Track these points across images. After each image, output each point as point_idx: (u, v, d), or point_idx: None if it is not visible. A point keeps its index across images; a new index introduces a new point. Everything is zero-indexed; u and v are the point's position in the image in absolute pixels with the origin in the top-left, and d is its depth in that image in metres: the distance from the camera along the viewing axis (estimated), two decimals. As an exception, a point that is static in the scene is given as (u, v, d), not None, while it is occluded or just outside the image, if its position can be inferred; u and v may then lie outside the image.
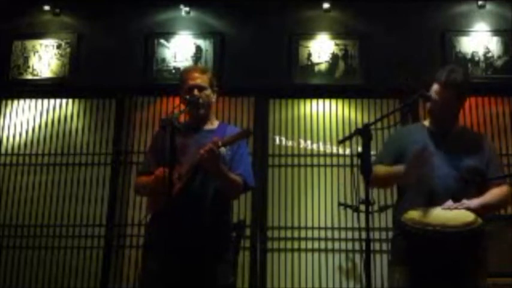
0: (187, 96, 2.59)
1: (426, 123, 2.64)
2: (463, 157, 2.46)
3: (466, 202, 2.30)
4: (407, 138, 2.59)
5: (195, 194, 2.47)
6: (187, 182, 2.46)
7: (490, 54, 4.52)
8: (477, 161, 2.47)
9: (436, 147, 2.48)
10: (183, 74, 2.73)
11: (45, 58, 4.73)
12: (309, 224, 4.41)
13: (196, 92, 2.60)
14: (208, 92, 2.64)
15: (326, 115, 4.62)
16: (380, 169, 2.50)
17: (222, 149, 2.41)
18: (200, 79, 2.63)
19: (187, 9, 4.72)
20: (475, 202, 2.33)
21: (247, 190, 2.72)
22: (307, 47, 4.61)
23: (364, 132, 2.23)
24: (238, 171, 2.56)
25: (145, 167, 2.71)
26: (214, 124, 2.72)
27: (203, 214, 2.49)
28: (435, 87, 2.50)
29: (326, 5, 4.66)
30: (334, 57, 4.60)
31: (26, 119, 4.76)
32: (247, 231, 4.20)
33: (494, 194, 2.42)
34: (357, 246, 4.28)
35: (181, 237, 2.38)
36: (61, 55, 4.72)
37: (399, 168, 2.42)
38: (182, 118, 2.69)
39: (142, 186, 2.67)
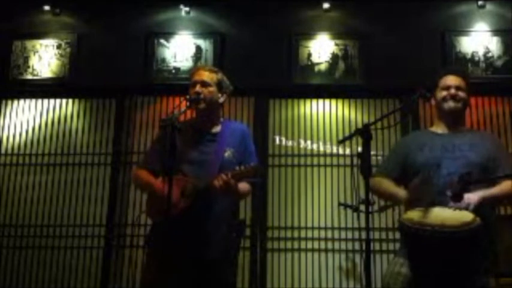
0: (188, 96, 2.58)
1: (435, 129, 2.62)
2: (469, 155, 2.45)
3: (468, 197, 2.29)
4: (413, 144, 2.57)
5: (200, 211, 2.46)
6: (192, 203, 2.43)
7: (490, 54, 4.52)
8: (483, 159, 2.45)
9: (443, 147, 2.48)
10: (191, 72, 2.71)
11: (45, 58, 4.73)
12: (309, 224, 4.41)
13: (198, 87, 2.58)
14: (212, 89, 2.60)
15: (326, 115, 4.62)
16: (383, 184, 2.52)
17: (229, 153, 2.42)
18: (207, 76, 2.61)
19: (187, 9, 4.72)
20: (476, 196, 2.30)
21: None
22: (307, 47, 4.61)
23: (364, 132, 2.23)
24: None
25: (147, 162, 2.68)
26: (218, 127, 2.67)
27: (208, 225, 2.49)
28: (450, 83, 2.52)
29: (326, 5, 4.66)
30: (334, 57, 4.59)
31: (26, 119, 4.76)
32: (247, 231, 4.20)
33: (501, 186, 2.40)
34: (357, 246, 4.28)
35: (184, 243, 2.40)
36: (61, 55, 4.72)
37: (402, 194, 2.43)
38: (184, 118, 2.67)
39: (142, 186, 2.67)
